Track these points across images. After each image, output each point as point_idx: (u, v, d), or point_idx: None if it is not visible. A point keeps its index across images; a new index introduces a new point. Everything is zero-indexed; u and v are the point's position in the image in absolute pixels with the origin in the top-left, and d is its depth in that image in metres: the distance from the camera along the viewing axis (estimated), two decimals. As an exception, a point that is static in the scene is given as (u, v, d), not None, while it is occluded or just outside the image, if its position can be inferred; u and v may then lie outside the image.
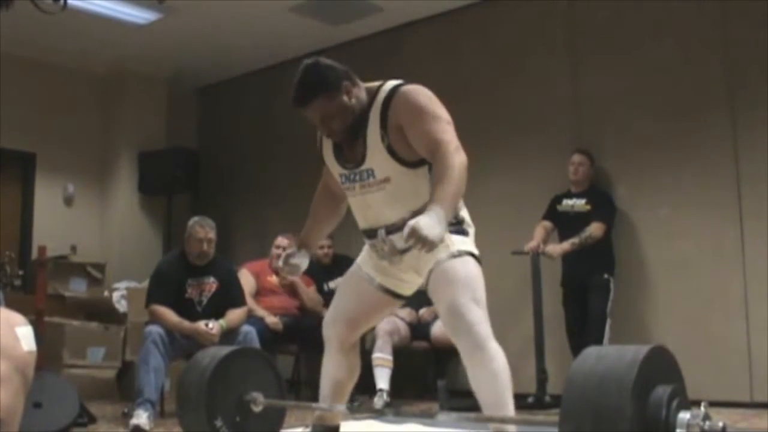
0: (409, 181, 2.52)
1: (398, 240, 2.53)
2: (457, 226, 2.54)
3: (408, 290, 2.73)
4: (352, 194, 2.63)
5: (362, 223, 2.66)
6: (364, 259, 2.74)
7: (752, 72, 4.80)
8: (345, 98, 2.51)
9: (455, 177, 2.34)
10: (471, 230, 2.59)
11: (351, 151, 2.60)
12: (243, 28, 6.45)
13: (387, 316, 5.03)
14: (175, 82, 7.66)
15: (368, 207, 2.59)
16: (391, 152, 2.50)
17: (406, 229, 2.24)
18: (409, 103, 2.49)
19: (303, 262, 2.79)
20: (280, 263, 2.80)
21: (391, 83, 2.56)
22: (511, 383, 2.44)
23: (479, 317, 2.41)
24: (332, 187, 2.81)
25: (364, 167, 2.56)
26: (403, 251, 2.55)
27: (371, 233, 2.62)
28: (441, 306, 2.50)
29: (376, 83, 2.59)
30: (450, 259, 2.47)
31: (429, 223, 2.22)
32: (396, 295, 2.72)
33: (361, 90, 2.56)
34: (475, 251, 2.54)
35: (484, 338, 2.39)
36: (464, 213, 2.61)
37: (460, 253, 2.48)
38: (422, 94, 2.51)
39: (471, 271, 2.48)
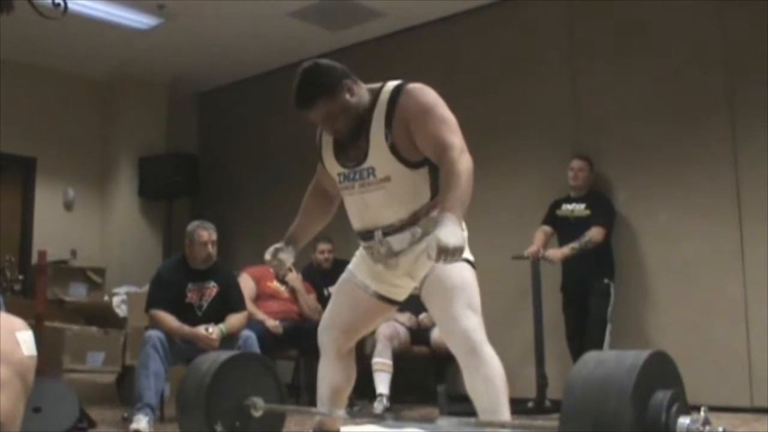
0: (409, 181, 2.51)
1: (395, 242, 2.53)
2: None
3: (402, 295, 2.72)
4: (350, 193, 2.62)
5: (358, 224, 2.64)
6: (358, 266, 2.72)
7: (752, 75, 4.80)
8: (347, 96, 2.52)
9: (463, 182, 2.35)
10: (465, 234, 2.59)
11: (353, 150, 2.59)
12: (243, 33, 6.46)
13: (387, 321, 5.05)
14: (175, 87, 7.67)
15: (366, 207, 2.58)
16: (394, 151, 2.50)
17: (431, 251, 2.23)
18: (416, 101, 2.49)
19: (289, 257, 2.79)
20: (268, 256, 2.78)
21: (394, 82, 2.57)
22: (507, 388, 2.43)
23: (474, 323, 2.42)
24: (325, 186, 2.80)
25: (365, 166, 2.55)
26: (399, 253, 2.55)
27: (367, 235, 2.60)
28: (436, 312, 2.51)
29: (378, 84, 2.60)
30: (445, 265, 2.47)
31: (447, 233, 2.23)
32: (391, 301, 2.72)
33: (361, 88, 2.57)
34: (470, 257, 2.53)
35: (478, 344, 2.40)
36: None
37: None
38: (429, 94, 2.53)
39: (466, 277, 2.48)
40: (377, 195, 2.53)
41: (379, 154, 2.52)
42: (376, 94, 2.56)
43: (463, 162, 2.38)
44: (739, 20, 4.89)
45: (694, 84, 5.03)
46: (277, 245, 2.79)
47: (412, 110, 2.48)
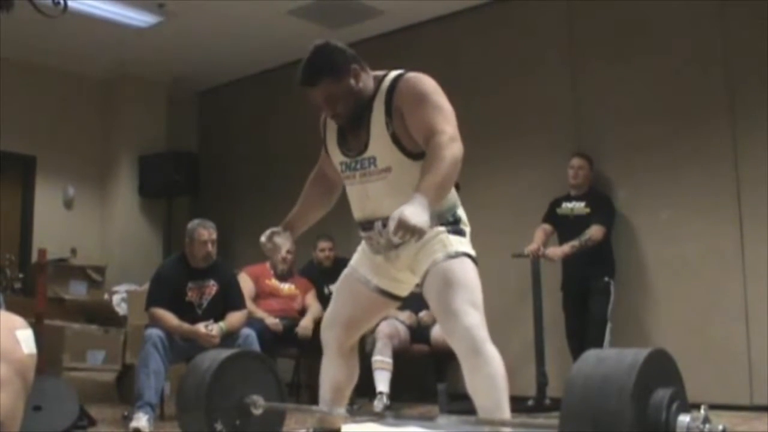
0: (410, 172, 2.49)
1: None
2: (454, 226, 2.53)
3: (404, 290, 2.71)
4: (352, 183, 2.62)
5: (358, 214, 2.63)
6: (360, 260, 2.72)
7: (752, 75, 4.80)
8: (352, 81, 2.52)
9: (443, 168, 2.33)
10: (467, 229, 2.58)
11: (354, 139, 2.58)
12: (243, 32, 6.46)
13: (387, 319, 5.05)
14: (175, 86, 7.67)
15: (367, 197, 2.57)
16: (395, 140, 2.50)
17: (392, 222, 2.22)
18: (412, 88, 2.49)
19: (285, 243, 2.76)
20: (263, 239, 2.75)
21: (396, 71, 2.58)
22: (507, 387, 2.42)
23: (476, 320, 2.40)
24: (328, 174, 2.80)
25: (366, 155, 2.54)
26: (399, 245, 2.53)
27: (367, 225, 2.59)
28: (438, 308, 2.48)
29: (381, 72, 2.60)
30: (447, 260, 2.45)
31: (413, 211, 2.22)
32: (392, 296, 2.71)
33: (369, 76, 2.58)
34: (472, 252, 2.53)
35: (481, 341, 2.38)
36: (461, 212, 2.59)
37: (458, 254, 2.47)
38: (426, 82, 2.52)
39: (468, 273, 2.47)
40: (378, 185, 2.53)
41: (380, 144, 2.52)
42: (378, 83, 2.57)
43: (451, 149, 2.36)
44: (739, 20, 4.89)
45: (694, 84, 5.03)
46: (274, 229, 2.76)
47: (407, 96, 2.48)
